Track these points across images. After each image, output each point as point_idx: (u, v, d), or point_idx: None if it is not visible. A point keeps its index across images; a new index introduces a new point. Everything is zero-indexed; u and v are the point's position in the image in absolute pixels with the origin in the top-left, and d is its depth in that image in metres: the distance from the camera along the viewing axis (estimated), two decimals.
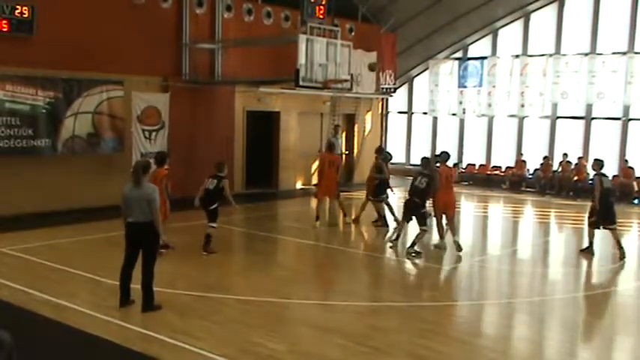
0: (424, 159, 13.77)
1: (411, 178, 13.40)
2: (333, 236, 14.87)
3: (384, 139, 26.67)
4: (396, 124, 27.62)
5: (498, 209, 20.57)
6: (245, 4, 19.65)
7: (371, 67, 21.39)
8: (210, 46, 18.73)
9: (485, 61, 24.30)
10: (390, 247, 13.31)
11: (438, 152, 14.06)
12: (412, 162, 26.74)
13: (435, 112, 25.90)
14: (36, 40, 14.83)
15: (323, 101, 22.30)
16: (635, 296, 10.75)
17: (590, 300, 10.38)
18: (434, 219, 13.51)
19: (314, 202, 16.20)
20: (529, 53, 23.55)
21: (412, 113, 27.25)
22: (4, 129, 14.49)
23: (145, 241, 8.53)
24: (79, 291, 9.50)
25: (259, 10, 20.01)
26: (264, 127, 21.23)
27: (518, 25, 24.02)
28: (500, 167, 24.71)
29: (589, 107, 22.64)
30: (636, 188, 21.09)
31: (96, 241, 13.00)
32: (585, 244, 13.07)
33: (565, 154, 22.15)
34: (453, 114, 25.43)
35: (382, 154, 16.13)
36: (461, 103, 24.94)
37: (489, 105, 24.22)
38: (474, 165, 25.45)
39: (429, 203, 13.19)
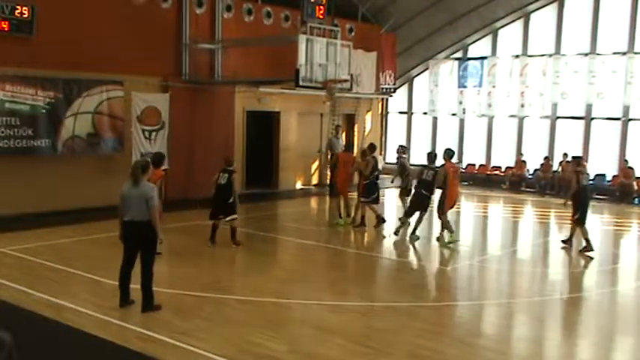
0: (430, 153, 14.27)
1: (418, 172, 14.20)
2: (334, 236, 14.87)
3: (384, 139, 26.68)
4: (396, 125, 27.62)
5: (498, 209, 20.57)
6: (245, 4, 19.65)
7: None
8: (210, 47, 18.73)
9: (485, 61, 24.31)
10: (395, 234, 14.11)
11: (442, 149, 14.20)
12: (412, 162, 26.71)
13: (435, 112, 25.90)
14: (36, 40, 14.83)
15: (323, 101, 22.28)
16: (635, 296, 10.75)
17: (590, 300, 10.38)
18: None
19: (329, 202, 16.20)
20: (529, 53, 23.55)
21: (412, 113, 27.25)
22: (4, 129, 14.50)
23: (143, 241, 8.52)
24: (79, 291, 9.51)
25: (259, 10, 20.01)
26: (264, 128, 21.23)
27: (518, 25, 24.02)
28: (500, 167, 24.70)
29: (589, 107, 22.64)
30: (636, 187, 21.09)
31: (96, 241, 12.98)
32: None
33: (565, 154, 22.17)
34: (453, 114, 25.43)
35: (398, 152, 16.17)
36: (461, 103, 24.95)
37: (489, 105, 24.22)
38: (473, 165, 25.45)
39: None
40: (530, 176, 23.64)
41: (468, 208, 20.91)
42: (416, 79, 27.06)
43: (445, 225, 13.64)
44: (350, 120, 24.05)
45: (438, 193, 13.89)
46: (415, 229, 14.05)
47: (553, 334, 8.74)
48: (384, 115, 26.98)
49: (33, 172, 15.21)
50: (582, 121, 22.91)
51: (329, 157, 21.00)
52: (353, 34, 22.37)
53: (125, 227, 8.52)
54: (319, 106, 22.27)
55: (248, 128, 20.33)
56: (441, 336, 8.11)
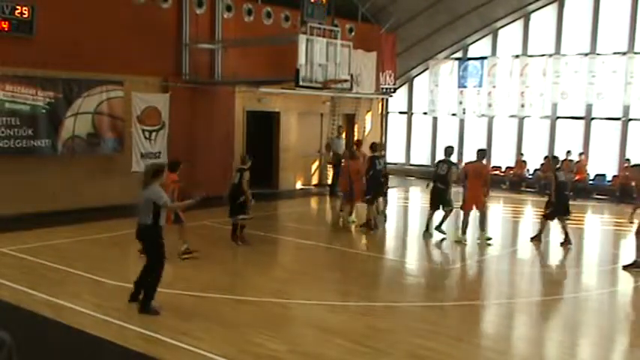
0: (447, 147, 14.68)
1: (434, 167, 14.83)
2: (334, 237, 14.87)
3: (384, 139, 26.66)
4: (396, 125, 27.62)
5: (498, 209, 20.55)
6: (245, 4, 19.65)
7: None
8: (210, 47, 18.73)
9: (485, 61, 24.31)
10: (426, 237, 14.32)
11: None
12: (412, 162, 26.79)
13: (435, 112, 25.91)
14: (36, 40, 14.83)
15: (323, 101, 22.31)
16: (634, 296, 10.75)
17: (590, 300, 10.37)
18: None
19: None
20: (529, 53, 23.55)
21: (412, 113, 27.26)
22: (4, 129, 14.49)
23: (145, 243, 8.62)
24: (79, 291, 9.49)
25: (259, 11, 20.00)
26: (264, 128, 21.23)
27: (518, 25, 24.03)
28: (500, 167, 24.70)
29: (589, 107, 22.64)
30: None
31: (96, 241, 12.99)
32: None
33: (568, 152, 22.08)
34: (453, 114, 25.43)
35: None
36: (461, 103, 24.95)
37: (489, 105, 24.22)
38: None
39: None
40: (530, 176, 23.64)
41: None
42: (416, 79, 27.07)
43: (462, 222, 13.97)
44: (350, 120, 24.05)
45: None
46: (440, 224, 14.34)
47: (553, 334, 8.74)
48: (384, 115, 26.96)
49: (33, 172, 15.20)
50: (582, 121, 22.91)
51: (330, 155, 21.10)
52: (353, 34, 22.37)
53: (135, 231, 8.72)
54: (319, 106, 22.31)
55: (248, 128, 20.33)
56: (440, 336, 8.10)
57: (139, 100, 16.82)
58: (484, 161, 14.56)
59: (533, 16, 23.65)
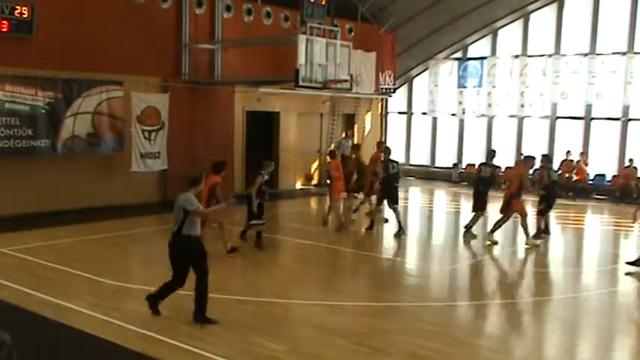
0: (489, 151, 15.06)
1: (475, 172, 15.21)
2: (333, 236, 14.86)
3: (383, 139, 26.65)
4: (396, 125, 27.62)
5: (497, 209, 20.53)
6: (245, 4, 19.65)
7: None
8: (209, 47, 18.73)
9: (485, 61, 24.30)
10: (467, 239, 14.31)
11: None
12: (412, 162, 26.78)
13: (435, 112, 25.89)
14: (35, 40, 14.82)
15: (323, 101, 22.32)
16: (634, 296, 10.75)
17: (589, 300, 10.38)
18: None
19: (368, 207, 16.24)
20: (529, 53, 23.55)
21: (412, 113, 27.25)
22: (3, 129, 14.48)
23: (173, 251, 8.30)
24: (79, 291, 9.50)
25: (259, 11, 20.01)
26: (263, 128, 21.23)
27: (517, 25, 24.02)
28: (499, 167, 24.62)
29: (588, 107, 22.64)
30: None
31: (96, 241, 12.99)
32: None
33: (568, 152, 22.08)
34: (453, 114, 25.42)
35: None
36: (460, 103, 24.94)
37: (489, 105, 24.22)
38: (473, 165, 25.40)
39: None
40: (529, 176, 23.56)
41: (467, 208, 20.90)
42: (415, 79, 27.06)
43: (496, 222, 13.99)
44: (350, 120, 24.05)
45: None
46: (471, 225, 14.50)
47: (553, 334, 8.73)
48: (384, 116, 26.97)
49: (33, 172, 15.19)
50: (582, 121, 22.91)
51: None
52: (352, 34, 22.37)
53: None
54: (319, 106, 22.31)
55: (248, 128, 20.33)
56: (441, 336, 8.10)
57: (139, 100, 16.81)
58: (526, 166, 14.35)
59: (532, 16, 23.64)
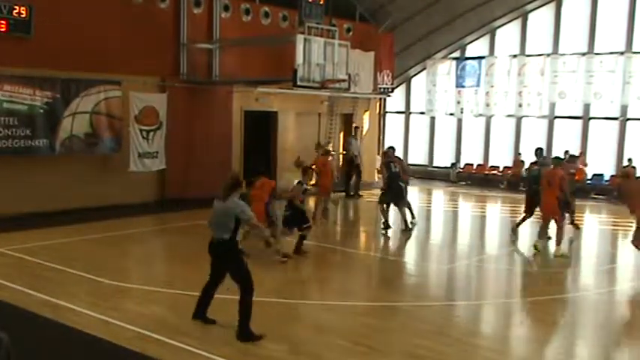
0: (537, 149, 14.98)
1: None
2: (333, 236, 14.87)
3: (381, 138, 26.68)
4: (394, 124, 27.62)
5: (496, 209, 20.59)
6: (243, 3, 19.62)
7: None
8: (207, 46, 18.70)
9: (483, 61, 24.31)
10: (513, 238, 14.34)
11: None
12: (410, 162, 26.76)
13: (433, 112, 25.90)
14: (34, 40, 14.79)
15: (321, 101, 22.30)
16: (632, 296, 10.76)
17: (588, 300, 10.38)
18: None
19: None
20: (527, 53, 23.56)
21: (410, 113, 27.25)
22: (1, 129, 14.44)
23: (221, 260, 7.97)
24: (78, 291, 9.49)
25: (257, 10, 19.98)
26: (262, 127, 21.20)
27: (515, 25, 24.03)
28: (498, 167, 24.72)
29: (587, 107, 22.66)
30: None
31: (94, 241, 12.98)
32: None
33: (567, 151, 22.06)
34: (451, 114, 25.42)
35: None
36: (459, 102, 24.95)
37: (487, 105, 24.23)
38: (471, 165, 25.47)
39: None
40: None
41: (466, 207, 20.95)
42: (414, 79, 27.06)
43: (540, 227, 13.58)
44: (348, 120, 24.03)
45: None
46: (518, 225, 14.52)
47: (552, 334, 8.74)
48: (382, 115, 26.98)
49: (31, 172, 15.16)
50: (580, 121, 22.92)
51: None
52: (351, 33, 22.36)
53: (209, 245, 8.05)
54: (317, 106, 22.28)
55: (246, 128, 20.30)
56: (440, 336, 8.10)
57: (137, 99, 16.79)
58: (564, 167, 13.69)
59: (530, 15, 23.66)
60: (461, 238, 15.67)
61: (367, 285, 11.04)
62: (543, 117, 23.45)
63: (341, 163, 22.92)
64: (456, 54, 25.44)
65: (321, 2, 17.08)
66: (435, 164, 26.61)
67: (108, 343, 7.45)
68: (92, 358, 7.34)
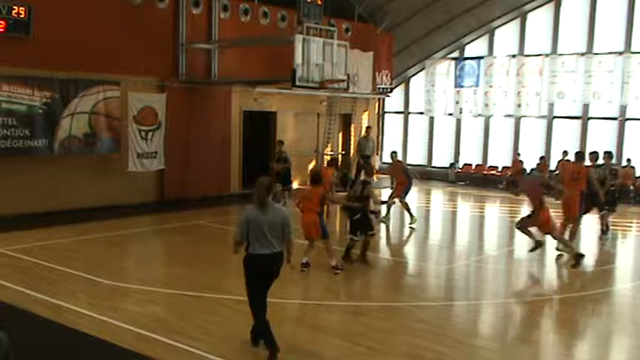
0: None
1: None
2: (332, 237, 14.83)
3: (380, 138, 26.69)
4: (393, 124, 27.64)
5: (495, 209, 20.59)
6: (241, 4, 19.62)
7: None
8: (206, 47, 18.70)
9: (482, 61, 24.34)
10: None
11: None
12: (409, 162, 26.75)
13: (432, 112, 25.92)
14: (33, 40, 14.78)
15: (319, 101, 22.30)
16: (632, 296, 10.76)
17: (588, 299, 10.37)
18: None
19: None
20: (525, 53, 23.59)
21: (409, 113, 27.27)
22: (0, 129, 14.44)
23: (276, 274, 7.32)
24: (77, 291, 9.48)
25: (256, 11, 19.98)
26: (261, 127, 21.21)
27: (514, 25, 24.06)
28: (496, 167, 24.74)
29: (585, 107, 22.67)
30: (632, 188, 21.10)
31: (93, 241, 12.96)
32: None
33: (565, 152, 22.07)
34: (450, 114, 25.45)
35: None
36: (457, 103, 24.97)
37: (486, 105, 24.26)
38: (470, 165, 25.48)
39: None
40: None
41: (464, 207, 20.94)
42: (412, 79, 27.09)
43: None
44: (346, 120, 24.05)
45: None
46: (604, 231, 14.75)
47: (551, 334, 8.74)
48: (381, 115, 26.99)
49: (30, 172, 15.16)
50: (579, 121, 22.95)
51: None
52: (349, 34, 22.37)
53: (261, 260, 7.17)
54: (316, 106, 22.28)
55: (245, 128, 20.30)
56: (439, 336, 8.09)
57: (136, 100, 16.80)
58: (583, 163, 13.61)
59: (529, 16, 23.69)
60: (460, 239, 15.67)
61: (367, 285, 11.03)
62: (542, 117, 23.47)
63: (340, 164, 22.86)
64: (455, 54, 25.46)
65: (320, 2, 17.07)
66: (433, 164, 26.62)
67: (107, 343, 7.44)
68: (91, 358, 7.33)
